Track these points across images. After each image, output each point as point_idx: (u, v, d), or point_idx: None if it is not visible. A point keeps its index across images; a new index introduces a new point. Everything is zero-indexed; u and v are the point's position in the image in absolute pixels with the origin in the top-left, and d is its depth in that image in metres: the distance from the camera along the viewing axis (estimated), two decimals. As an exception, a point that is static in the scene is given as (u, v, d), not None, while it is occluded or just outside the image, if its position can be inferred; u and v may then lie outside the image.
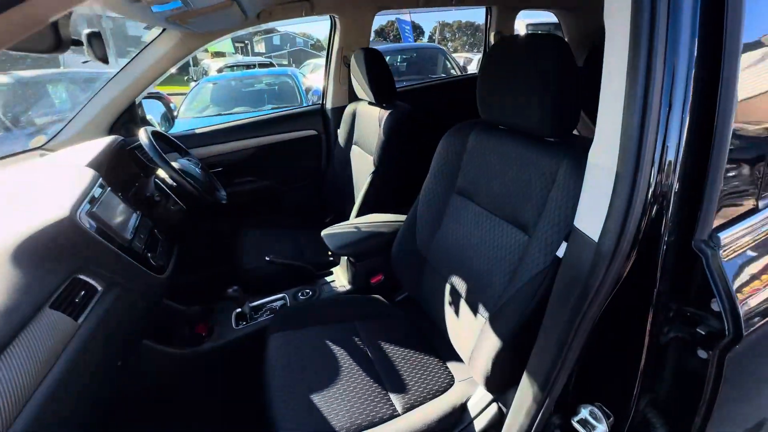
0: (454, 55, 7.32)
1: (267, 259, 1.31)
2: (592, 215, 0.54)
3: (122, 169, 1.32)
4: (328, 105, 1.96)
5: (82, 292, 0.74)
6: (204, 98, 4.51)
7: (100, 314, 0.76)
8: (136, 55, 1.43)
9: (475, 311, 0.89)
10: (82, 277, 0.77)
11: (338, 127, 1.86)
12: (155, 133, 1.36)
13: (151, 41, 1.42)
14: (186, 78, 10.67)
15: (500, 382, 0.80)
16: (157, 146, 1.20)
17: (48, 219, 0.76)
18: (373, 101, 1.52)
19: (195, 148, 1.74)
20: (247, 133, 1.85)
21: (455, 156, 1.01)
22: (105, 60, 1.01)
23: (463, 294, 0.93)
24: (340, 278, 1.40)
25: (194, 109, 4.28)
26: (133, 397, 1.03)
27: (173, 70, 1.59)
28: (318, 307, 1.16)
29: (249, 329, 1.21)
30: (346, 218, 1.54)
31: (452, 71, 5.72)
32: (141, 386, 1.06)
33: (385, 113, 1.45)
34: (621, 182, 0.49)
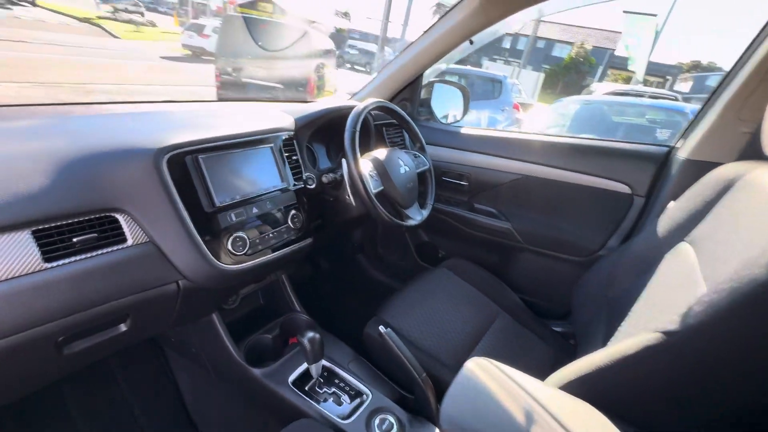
0: None
1: (381, 330, 0.82)
2: None
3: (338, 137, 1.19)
4: (683, 152, 1.02)
5: (93, 234, 0.60)
6: (557, 116, 4.07)
7: (100, 266, 0.60)
8: (434, 24, 1.20)
9: None
10: (119, 217, 0.63)
11: (676, 197, 0.93)
12: (387, 110, 1.11)
13: (450, 9, 1.13)
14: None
15: None
16: (357, 125, 0.94)
17: (133, 144, 0.66)
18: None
19: (455, 149, 1.39)
20: (530, 156, 1.28)
21: None
22: None
23: None
24: None
25: (537, 122, 3.96)
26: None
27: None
28: None
29: (295, 401, 0.82)
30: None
31: None
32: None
33: None
34: None
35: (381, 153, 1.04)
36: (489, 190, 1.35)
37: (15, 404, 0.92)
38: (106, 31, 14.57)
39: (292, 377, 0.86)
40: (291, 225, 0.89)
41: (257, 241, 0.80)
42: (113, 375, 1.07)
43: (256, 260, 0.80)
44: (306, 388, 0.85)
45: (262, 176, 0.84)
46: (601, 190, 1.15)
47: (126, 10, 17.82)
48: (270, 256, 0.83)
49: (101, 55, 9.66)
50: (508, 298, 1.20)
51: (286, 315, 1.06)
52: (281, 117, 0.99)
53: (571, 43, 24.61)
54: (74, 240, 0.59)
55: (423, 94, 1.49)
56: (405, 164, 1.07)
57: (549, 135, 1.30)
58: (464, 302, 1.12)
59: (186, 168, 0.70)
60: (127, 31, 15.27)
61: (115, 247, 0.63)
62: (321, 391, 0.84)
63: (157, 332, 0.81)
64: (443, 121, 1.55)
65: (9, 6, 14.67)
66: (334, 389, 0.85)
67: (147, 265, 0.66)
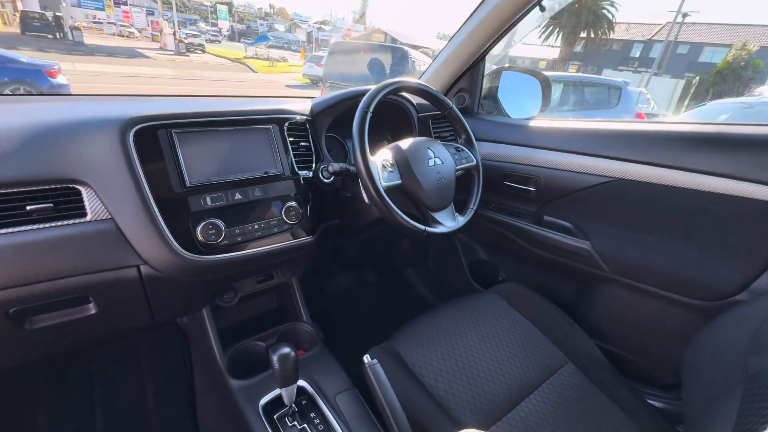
0: None
1: (366, 361, 0.62)
2: None
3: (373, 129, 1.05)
4: None
5: (48, 205, 0.57)
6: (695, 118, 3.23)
7: (52, 239, 0.57)
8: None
9: None
10: (81, 190, 0.60)
11: None
12: (417, 92, 0.91)
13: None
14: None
15: None
16: (371, 105, 0.77)
17: (103, 115, 0.63)
18: None
19: (520, 146, 1.11)
20: (627, 151, 0.90)
21: None
22: None
23: None
24: None
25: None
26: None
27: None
28: None
29: (258, 430, 0.67)
30: None
31: None
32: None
33: None
34: None
35: (406, 142, 0.86)
36: (563, 198, 1.03)
37: (49, 364, 0.98)
38: (249, 67, 17.69)
39: (264, 399, 0.72)
40: (284, 218, 0.77)
41: (236, 231, 0.70)
42: (138, 356, 1.09)
43: (233, 253, 0.70)
44: (275, 417, 0.70)
45: (251, 159, 0.74)
46: (746, 200, 0.74)
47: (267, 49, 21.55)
48: (251, 250, 0.72)
49: (241, 86, 11.72)
50: (579, 344, 0.87)
51: (288, 324, 0.94)
52: (296, 101, 0.90)
53: (727, 46, 20.21)
54: (28, 208, 0.56)
55: (488, 83, 1.26)
56: (437, 156, 0.87)
57: (658, 122, 0.93)
58: (512, 340, 0.84)
59: (159, 143, 0.64)
60: (263, 66, 18.25)
61: (72, 221, 0.59)
62: (290, 425, 0.68)
63: (141, 322, 0.77)
64: (514, 116, 1.28)
65: (187, 53, 19.15)
66: (305, 424, 0.68)
67: (104, 244, 0.61)
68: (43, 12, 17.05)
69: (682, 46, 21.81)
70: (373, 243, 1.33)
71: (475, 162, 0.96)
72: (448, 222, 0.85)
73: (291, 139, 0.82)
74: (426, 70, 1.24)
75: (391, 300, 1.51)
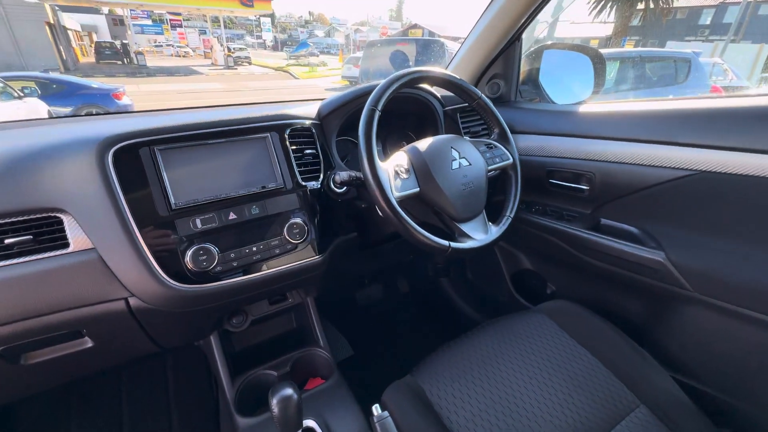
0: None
1: (375, 414, 0.51)
2: None
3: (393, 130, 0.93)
4: None
5: (28, 237, 0.53)
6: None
7: (33, 274, 0.53)
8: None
9: None
10: (63, 218, 0.55)
11: None
12: (435, 81, 0.78)
13: None
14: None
15: None
16: (379, 102, 0.66)
17: (80, 137, 0.58)
18: None
19: (569, 137, 0.94)
20: (712, 136, 0.70)
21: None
22: None
23: None
24: None
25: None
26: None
27: None
28: None
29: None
30: None
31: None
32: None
33: None
34: None
35: (424, 142, 0.74)
36: (626, 197, 0.84)
37: (79, 384, 0.99)
38: (291, 74, 18.37)
39: None
40: (287, 237, 0.68)
41: (231, 255, 0.63)
42: (165, 377, 1.08)
43: (228, 281, 0.62)
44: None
45: (246, 173, 0.66)
46: None
47: (305, 56, 22.38)
48: (249, 276, 0.64)
49: (281, 92, 12.16)
50: (654, 381, 0.69)
51: (303, 349, 0.86)
52: (302, 105, 0.81)
53: (827, -1, 17.16)
54: (6, 242, 0.52)
55: (527, 66, 1.09)
56: (462, 156, 0.73)
57: (758, 94, 0.71)
58: (565, 375, 0.69)
59: (141, 163, 0.59)
60: (304, 72, 18.84)
61: (54, 253, 0.55)
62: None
63: (146, 350, 0.73)
64: (559, 101, 1.09)
65: (236, 67, 20.34)
66: None
67: (89, 277, 0.56)
68: (113, 41, 19.00)
69: (765, 6, 18.93)
70: (400, 253, 1.22)
71: (511, 160, 0.81)
72: (478, 234, 0.71)
73: (294, 147, 0.73)
74: (453, 57, 1.10)
75: (424, 314, 1.38)
